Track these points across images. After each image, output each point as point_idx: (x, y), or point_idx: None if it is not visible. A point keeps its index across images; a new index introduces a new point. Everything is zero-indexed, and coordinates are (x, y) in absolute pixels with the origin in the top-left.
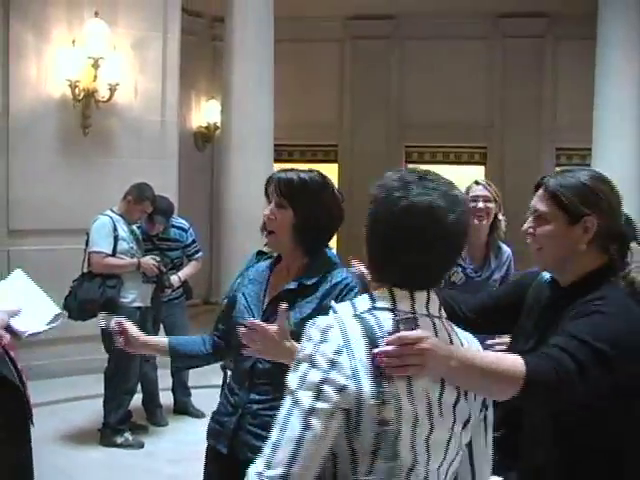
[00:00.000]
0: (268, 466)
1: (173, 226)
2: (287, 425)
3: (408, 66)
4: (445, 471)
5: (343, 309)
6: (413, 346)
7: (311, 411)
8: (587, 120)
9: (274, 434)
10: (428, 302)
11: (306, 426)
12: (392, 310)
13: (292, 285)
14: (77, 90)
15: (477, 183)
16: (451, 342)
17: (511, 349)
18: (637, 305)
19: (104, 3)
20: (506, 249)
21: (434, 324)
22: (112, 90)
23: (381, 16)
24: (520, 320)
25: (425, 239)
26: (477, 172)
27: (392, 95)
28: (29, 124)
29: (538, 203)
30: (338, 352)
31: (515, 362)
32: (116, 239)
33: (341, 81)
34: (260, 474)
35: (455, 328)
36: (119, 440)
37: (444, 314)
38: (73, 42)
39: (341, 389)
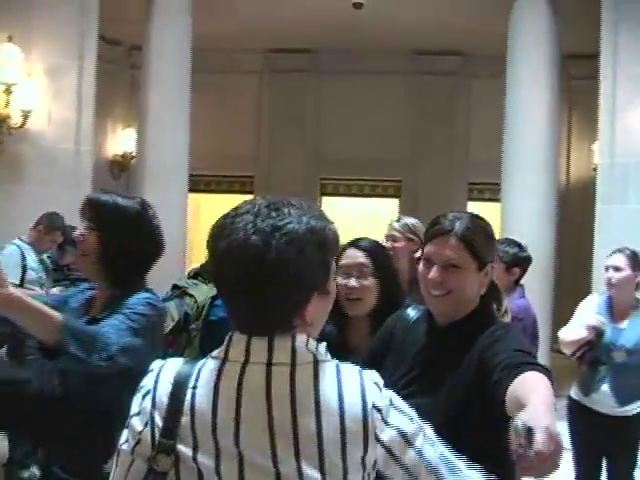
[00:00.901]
0: None
1: None
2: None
3: (325, 99)
4: None
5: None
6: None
7: (118, 455)
8: (499, 155)
9: None
10: (270, 349)
11: (115, 467)
12: (222, 360)
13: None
14: None
15: (397, 220)
16: (293, 394)
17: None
18: None
19: (18, 28)
20: None
21: (269, 372)
22: (25, 117)
23: (299, 50)
24: (389, 357)
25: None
26: (391, 205)
27: (309, 128)
28: None
29: (448, 251)
30: (144, 396)
31: (539, 378)
32: (24, 268)
33: (259, 113)
34: None
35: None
36: (25, 475)
37: (307, 357)
38: None
39: (139, 434)
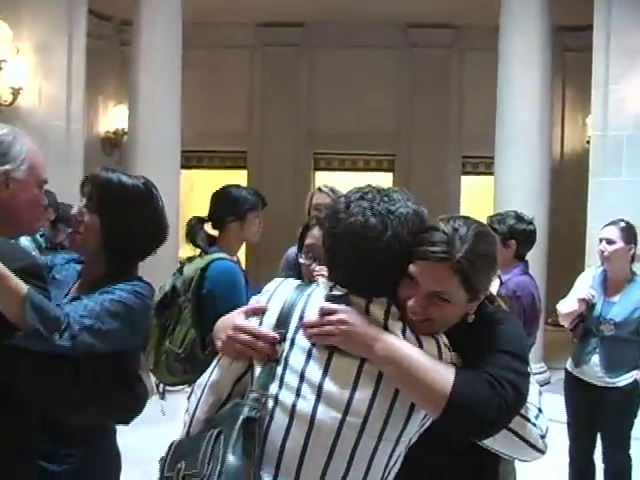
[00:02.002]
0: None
1: None
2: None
3: (317, 74)
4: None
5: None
6: (332, 317)
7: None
8: (492, 129)
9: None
10: (368, 304)
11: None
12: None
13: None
14: None
15: (319, 190)
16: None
17: None
18: None
19: (6, 5)
20: None
21: (386, 323)
22: (15, 94)
23: (291, 24)
24: None
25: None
26: (385, 179)
27: (301, 102)
28: None
29: (438, 284)
30: (262, 293)
31: (446, 376)
32: None
33: (251, 88)
34: (197, 384)
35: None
36: None
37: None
38: None
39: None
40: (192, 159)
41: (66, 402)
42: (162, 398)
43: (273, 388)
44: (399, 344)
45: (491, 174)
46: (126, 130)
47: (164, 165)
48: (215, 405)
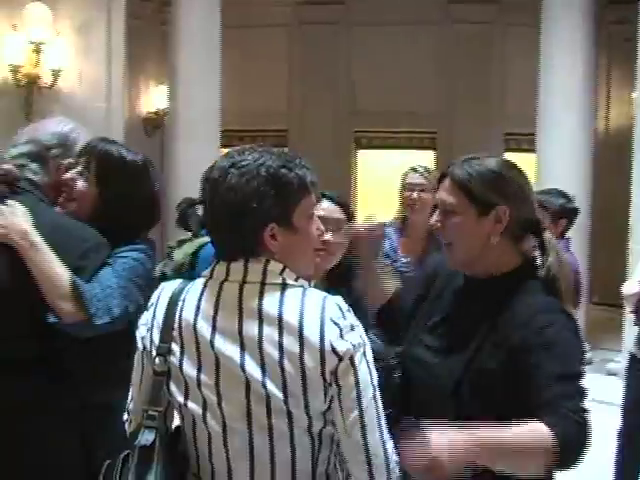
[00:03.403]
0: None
1: None
2: None
3: (357, 52)
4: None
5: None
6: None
7: (133, 361)
8: (534, 105)
9: None
10: (245, 270)
11: (133, 372)
12: (208, 278)
13: None
14: (19, 76)
15: (414, 170)
16: (260, 310)
17: (412, 327)
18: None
19: None
20: None
21: (242, 288)
22: (55, 76)
23: (330, 1)
24: (425, 303)
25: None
26: (427, 157)
27: (341, 81)
28: None
29: (444, 195)
30: (148, 308)
31: (537, 431)
32: None
33: (290, 66)
34: (126, 409)
35: (275, 295)
36: None
37: (275, 279)
38: (14, 27)
39: (142, 339)
40: (233, 138)
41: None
42: None
43: (179, 397)
44: (484, 437)
45: (535, 151)
46: (167, 110)
47: (205, 144)
48: None
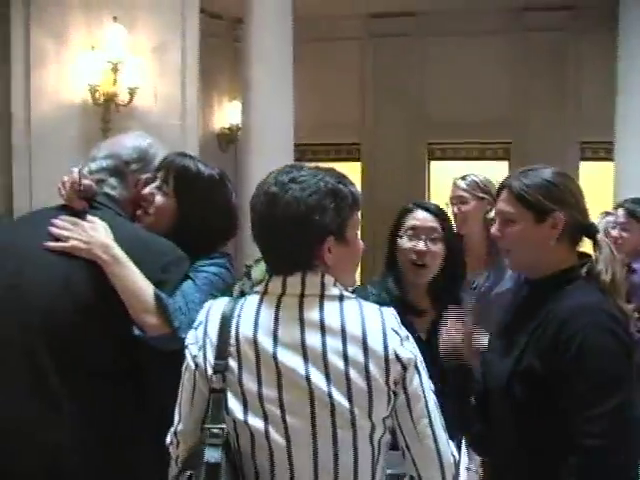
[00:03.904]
0: (172, 425)
1: None
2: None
3: (429, 63)
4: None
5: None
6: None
7: (182, 380)
8: (612, 113)
9: None
10: (303, 283)
11: (181, 393)
12: (263, 293)
13: None
14: (97, 94)
15: (453, 184)
16: (322, 322)
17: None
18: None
19: (122, 7)
20: None
21: (302, 301)
22: (132, 94)
23: (401, 13)
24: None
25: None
26: (501, 168)
27: (413, 92)
28: (51, 130)
29: (503, 205)
30: (197, 327)
31: None
32: None
33: (362, 79)
34: (170, 433)
35: (337, 306)
36: None
37: (334, 292)
38: (92, 47)
39: (194, 358)
40: (307, 152)
41: None
42: None
43: (238, 414)
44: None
45: (612, 160)
46: (240, 125)
47: (278, 159)
48: (195, 437)
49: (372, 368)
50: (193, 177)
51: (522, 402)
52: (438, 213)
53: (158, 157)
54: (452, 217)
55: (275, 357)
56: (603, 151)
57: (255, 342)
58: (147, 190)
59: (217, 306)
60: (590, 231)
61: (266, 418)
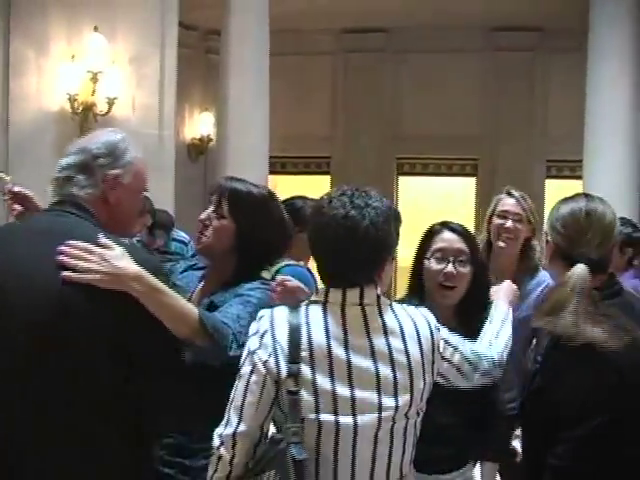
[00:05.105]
0: (224, 428)
1: (174, 239)
2: (234, 396)
3: (400, 79)
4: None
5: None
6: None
7: (248, 383)
8: (577, 132)
9: (228, 406)
10: (361, 295)
11: (245, 395)
12: (324, 303)
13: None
14: (76, 104)
15: (509, 194)
16: (384, 326)
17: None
18: None
19: (103, 18)
20: (545, 278)
21: (364, 310)
22: (110, 104)
23: (374, 29)
24: None
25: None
26: (468, 183)
27: (384, 107)
28: (29, 138)
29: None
30: (263, 335)
31: None
32: None
33: (334, 94)
34: (220, 435)
35: (402, 311)
36: None
37: (385, 301)
38: (72, 57)
39: (265, 362)
40: (276, 164)
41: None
42: None
43: (310, 412)
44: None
45: (576, 178)
46: (211, 136)
47: (253, 171)
48: (254, 439)
49: (425, 359)
50: (245, 197)
51: None
52: (465, 233)
53: (128, 154)
54: (495, 230)
55: (348, 360)
56: (567, 169)
57: (329, 347)
58: (204, 216)
59: (279, 315)
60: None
61: (337, 413)
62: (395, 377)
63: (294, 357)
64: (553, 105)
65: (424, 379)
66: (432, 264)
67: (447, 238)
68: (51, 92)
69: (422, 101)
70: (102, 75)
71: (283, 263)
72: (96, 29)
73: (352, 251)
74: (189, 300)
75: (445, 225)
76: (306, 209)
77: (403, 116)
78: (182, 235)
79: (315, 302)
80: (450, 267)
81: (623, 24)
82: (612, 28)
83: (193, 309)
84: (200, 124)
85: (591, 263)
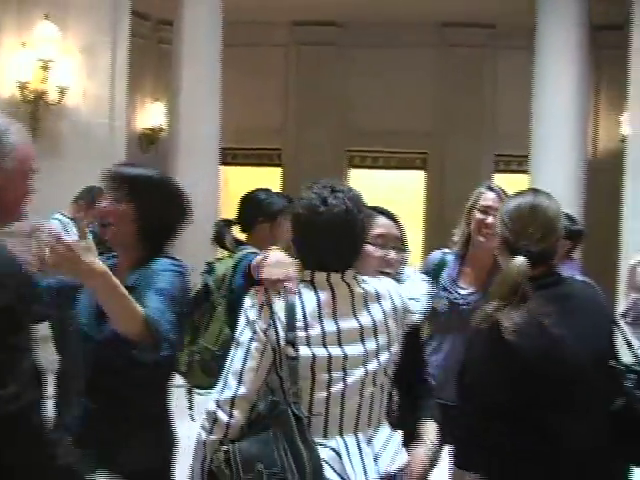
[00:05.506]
0: (221, 393)
1: None
2: (232, 363)
3: (352, 72)
4: (356, 394)
5: None
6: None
7: (248, 350)
8: (525, 128)
9: (224, 372)
10: (343, 274)
11: (245, 361)
12: (311, 281)
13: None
14: (26, 92)
15: (491, 189)
16: (366, 302)
17: None
18: None
19: (54, 6)
20: None
21: (348, 285)
22: (62, 93)
23: (327, 22)
24: None
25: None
26: (418, 177)
27: (336, 100)
28: None
29: None
30: (261, 307)
31: None
32: None
33: (286, 86)
34: (217, 400)
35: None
36: None
37: (360, 277)
38: (23, 44)
39: (265, 331)
40: (227, 156)
41: None
42: (190, 408)
43: (306, 375)
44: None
45: (523, 172)
46: (163, 127)
47: (204, 161)
48: (251, 402)
49: (399, 317)
50: (142, 180)
51: None
52: (397, 220)
53: (7, 137)
54: (475, 225)
55: (338, 326)
56: (515, 164)
57: (320, 316)
58: (104, 205)
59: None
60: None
61: (330, 372)
62: (377, 338)
63: (291, 326)
64: (502, 101)
65: (398, 339)
66: (371, 249)
67: (385, 224)
68: (1, 79)
69: (373, 95)
70: (53, 64)
71: (245, 251)
72: (47, 17)
73: (350, 243)
74: None
75: (381, 212)
76: (270, 201)
77: (354, 109)
78: None
79: (303, 281)
80: (393, 254)
81: (570, 23)
82: (558, 27)
83: (140, 308)
84: (152, 114)
85: (531, 255)
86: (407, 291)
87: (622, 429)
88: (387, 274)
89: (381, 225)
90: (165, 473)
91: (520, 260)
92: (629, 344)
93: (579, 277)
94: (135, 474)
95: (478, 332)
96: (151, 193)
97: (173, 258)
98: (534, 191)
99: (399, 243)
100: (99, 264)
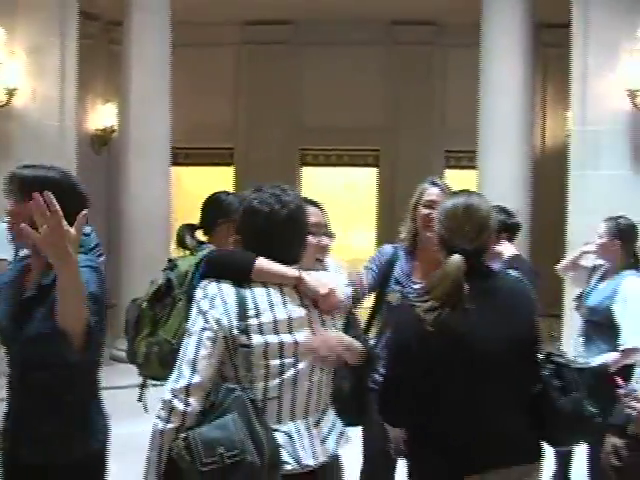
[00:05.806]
0: (176, 382)
1: None
2: (185, 352)
3: (303, 70)
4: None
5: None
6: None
7: (200, 339)
8: (475, 123)
9: (177, 362)
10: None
11: (198, 349)
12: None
13: (32, 292)
14: None
15: (434, 184)
16: (285, 304)
17: None
18: None
19: (1, 8)
20: None
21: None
22: (10, 95)
23: (278, 21)
24: None
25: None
26: (371, 174)
27: (287, 99)
28: None
29: None
30: (213, 298)
31: None
32: (17, 246)
33: (238, 85)
34: (172, 389)
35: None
36: None
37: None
38: None
39: (217, 320)
40: (180, 156)
41: None
42: (140, 399)
43: (260, 362)
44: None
45: (474, 168)
46: (114, 127)
47: (155, 161)
48: (206, 390)
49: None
50: (42, 178)
51: None
52: (320, 206)
53: None
54: (421, 220)
55: (289, 314)
56: (466, 159)
57: (271, 305)
58: (10, 208)
59: (224, 287)
60: None
61: (282, 358)
62: (324, 325)
63: (243, 316)
64: (451, 97)
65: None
66: (310, 238)
67: (315, 212)
68: None
69: (325, 93)
70: (1, 66)
71: (206, 251)
72: None
73: (301, 237)
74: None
75: (311, 202)
76: (229, 202)
77: (306, 108)
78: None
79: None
80: (325, 239)
81: (514, 21)
82: (504, 25)
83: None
84: (103, 115)
85: (466, 253)
86: (342, 280)
87: (538, 412)
88: (320, 261)
89: (313, 214)
90: (98, 464)
91: (457, 257)
92: (555, 338)
93: (512, 272)
94: (66, 467)
95: (403, 322)
96: (48, 189)
97: (86, 253)
98: (467, 192)
99: (327, 230)
100: (74, 252)
